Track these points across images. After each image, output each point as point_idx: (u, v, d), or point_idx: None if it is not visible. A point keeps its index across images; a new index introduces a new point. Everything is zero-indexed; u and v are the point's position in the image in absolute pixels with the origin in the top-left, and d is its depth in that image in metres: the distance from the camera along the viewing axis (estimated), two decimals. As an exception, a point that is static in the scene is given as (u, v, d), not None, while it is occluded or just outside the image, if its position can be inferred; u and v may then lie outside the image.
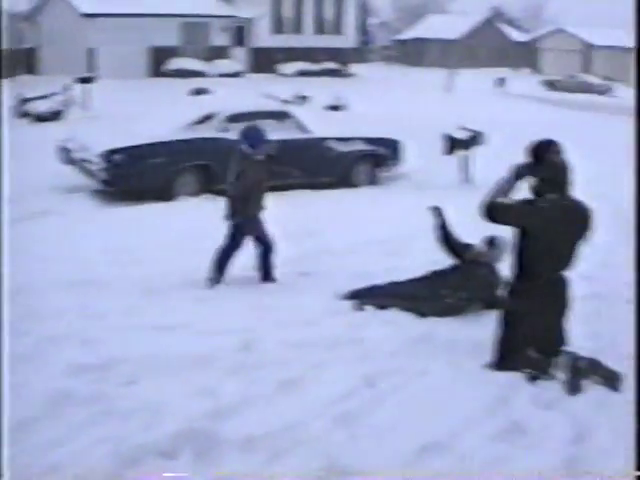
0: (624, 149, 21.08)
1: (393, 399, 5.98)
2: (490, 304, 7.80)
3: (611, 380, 6.26)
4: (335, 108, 29.82)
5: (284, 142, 13.99)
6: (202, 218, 11.76)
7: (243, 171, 8.69)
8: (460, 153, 15.82)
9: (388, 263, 9.14)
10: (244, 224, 8.73)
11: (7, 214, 9.37)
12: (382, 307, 7.88)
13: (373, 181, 15.89)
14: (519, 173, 6.13)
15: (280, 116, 15.03)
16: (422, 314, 7.72)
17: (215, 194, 13.66)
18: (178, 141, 13.88)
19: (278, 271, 9.01)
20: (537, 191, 6.16)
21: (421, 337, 7.24)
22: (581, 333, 7.01)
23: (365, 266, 9.42)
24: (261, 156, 8.82)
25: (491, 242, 8.11)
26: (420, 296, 7.89)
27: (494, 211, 6.09)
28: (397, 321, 7.64)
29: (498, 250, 8.04)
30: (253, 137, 8.81)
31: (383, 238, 10.89)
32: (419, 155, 17.46)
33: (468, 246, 8.32)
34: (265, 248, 8.87)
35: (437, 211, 8.41)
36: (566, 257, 6.24)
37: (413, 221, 10.79)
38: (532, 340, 6.36)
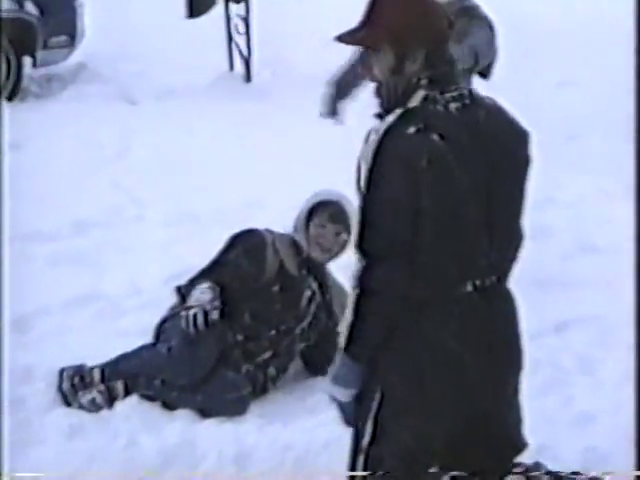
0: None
1: None
2: (318, 362, 3.80)
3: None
4: None
5: None
6: None
7: None
8: (224, 8, 8.40)
9: (73, 288, 4.43)
10: None
11: None
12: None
13: (12, 90, 7.49)
14: None
15: None
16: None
17: None
18: None
19: None
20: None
21: (175, 450, 3.24)
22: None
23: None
24: None
25: None
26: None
27: None
28: (106, 424, 3.41)
29: None
30: None
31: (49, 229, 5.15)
32: (112, 15, 8.78)
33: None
34: None
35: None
36: (499, 242, 2.44)
37: (123, 192, 5.61)
38: (440, 444, 2.53)
